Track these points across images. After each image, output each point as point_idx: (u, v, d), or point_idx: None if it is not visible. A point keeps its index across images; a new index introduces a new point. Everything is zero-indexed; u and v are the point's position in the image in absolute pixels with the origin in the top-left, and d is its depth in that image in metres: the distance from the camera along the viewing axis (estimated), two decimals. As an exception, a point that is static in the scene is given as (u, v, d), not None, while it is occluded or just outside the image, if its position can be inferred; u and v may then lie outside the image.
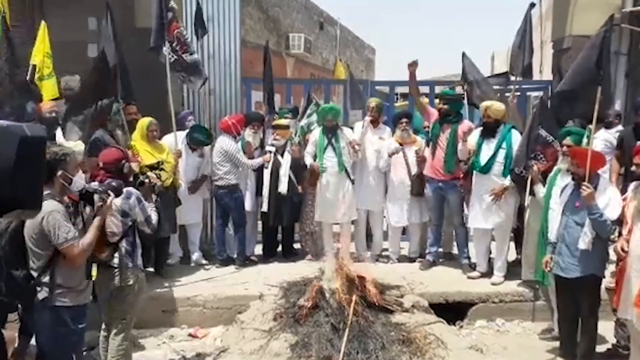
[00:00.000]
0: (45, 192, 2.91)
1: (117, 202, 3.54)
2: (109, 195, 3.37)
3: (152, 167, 4.18)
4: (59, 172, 3.12)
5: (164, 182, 5.19)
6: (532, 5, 5.89)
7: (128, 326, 3.79)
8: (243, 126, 6.02)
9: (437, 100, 6.58)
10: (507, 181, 5.15)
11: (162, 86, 5.84)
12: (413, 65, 5.75)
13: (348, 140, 5.78)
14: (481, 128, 5.43)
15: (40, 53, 5.38)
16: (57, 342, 3.19)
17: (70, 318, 3.18)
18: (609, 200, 3.90)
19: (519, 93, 7.40)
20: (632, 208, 3.70)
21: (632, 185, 4.02)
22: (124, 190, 3.61)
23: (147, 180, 4.03)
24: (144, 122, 5.36)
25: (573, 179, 4.07)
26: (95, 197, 3.29)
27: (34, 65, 5.27)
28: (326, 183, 5.84)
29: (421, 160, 5.84)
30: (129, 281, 3.65)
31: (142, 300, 3.95)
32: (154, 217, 3.84)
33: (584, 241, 3.91)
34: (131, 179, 4.02)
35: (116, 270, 3.60)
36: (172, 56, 5.66)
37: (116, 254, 3.61)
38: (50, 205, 3.03)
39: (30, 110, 5.24)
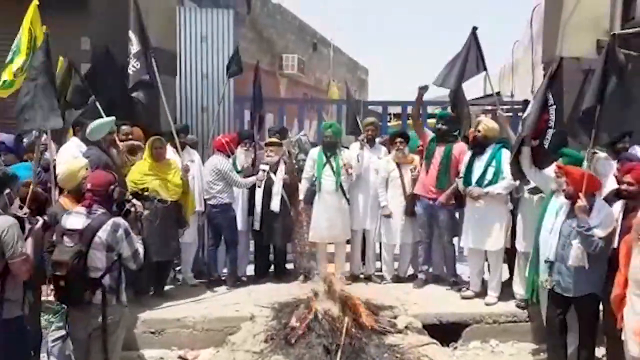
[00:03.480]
0: None
1: (102, 235, 3.36)
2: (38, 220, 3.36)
3: (137, 195, 3.92)
4: (7, 191, 3.24)
5: (168, 198, 5.18)
6: (475, 28, 5.72)
7: None
8: (236, 145, 6.02)
9: (431, 120, 6.59)
10: (489, 188, 5.16)
11: (154, 105, 5.85)
12: (423, 89, 5.80)
13: (343, 162, 5.80)
14: (470, 146, 5.46)
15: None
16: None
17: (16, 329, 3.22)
18: (604, 218, 3.93)
19: (510, 113, 7.47)
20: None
21: (617, 205, 4.04)
22: (111, 221, 3.42)
23: (133, 209, 3.68)
24: (150, 140, 5.37)
25: (566, 197, 4.10)
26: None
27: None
28: (322, 201, 5.82)
29: (416, 180, 5.85)
30: (114, 319, 3.44)
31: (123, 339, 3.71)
32: (141, 251, 3.60)
33: (572, 256, 3.93)
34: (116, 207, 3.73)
35: (98, 307, 3.37)
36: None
37: (98, 291, 3.37)
38: (8, 220, 3.12)
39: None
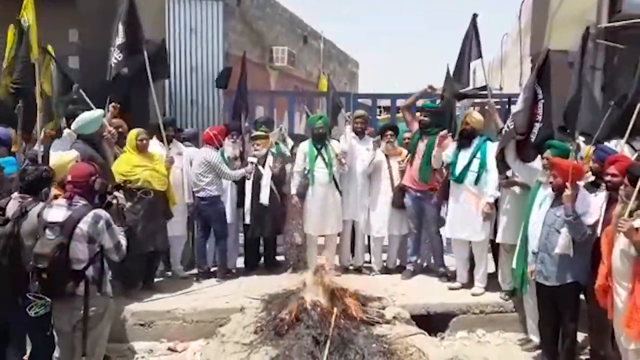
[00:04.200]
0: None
1: (83, 227, 3.36)
2: None
3: (118, 187, 3.86)
4: (44, 189, 3.65)
5: (155, 188, 5.16)
6: (475, 15, 5.84)
7: None
8: (224, 137, 6.01)
9: (417, 113, 6.63)
10: (490, 198, 5.22)
11: (141, 97, 5.82)
12: (431, 89, 5.95)
13: (335, 152, 5.83)
14: (457, 138, 5.50)
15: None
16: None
17: None
18: (589, 207, 4.02)
19: (499, 106, 7.52)
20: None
21: (602, 196, 4.11)
22: (92, 212, 3.40)
23: (114, 202, 3.67)
24: (133, 132, 5.34)
25: (553, 189, 4.16)
26: None
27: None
28: (316, 194, 5.84)
29: (404, 172, 5.90)
30: (98, 310, 3.45)
31: (108, 331, 3.75)
32: (124, 243, 3.60)
33: (559, 244, 4.01)
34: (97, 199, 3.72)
35: (82, 299, 3.38)
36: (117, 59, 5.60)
37: (82, 283, 3.38)
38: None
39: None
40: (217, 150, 5.87)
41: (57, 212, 3.42)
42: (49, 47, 5.37)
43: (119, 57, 5.42)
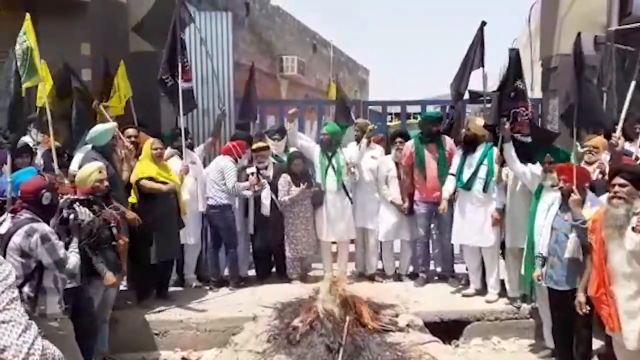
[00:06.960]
0: None
1: (16, 239, 3.20)
2: None
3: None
4: None
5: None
6: (484, 23, 5.90)
7: None
8: (244, 149, 5.99)
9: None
10: (499, 204, 5.19)
11: (155, 108, 5.88)
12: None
13: (345, 161, 5.84)
14: (463, 145, 5.50)
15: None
16: None
17: None
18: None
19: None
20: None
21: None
22: (27, 226, 3.24)
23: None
24: (148, 142, 5.38)
25: (562, 194, 4.13)
26: None
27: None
28: (325, 201, 5.86)
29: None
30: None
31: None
32: (73, 260, 3.39)
33: (568, 249, 3.97)
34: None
35: None
36: (170, 81, 5.71)
37: None
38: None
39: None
40: (235, 161, 5.88)
41: (4, 226, 3.35)
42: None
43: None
